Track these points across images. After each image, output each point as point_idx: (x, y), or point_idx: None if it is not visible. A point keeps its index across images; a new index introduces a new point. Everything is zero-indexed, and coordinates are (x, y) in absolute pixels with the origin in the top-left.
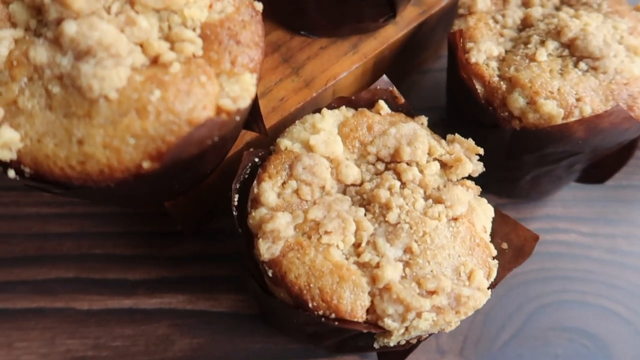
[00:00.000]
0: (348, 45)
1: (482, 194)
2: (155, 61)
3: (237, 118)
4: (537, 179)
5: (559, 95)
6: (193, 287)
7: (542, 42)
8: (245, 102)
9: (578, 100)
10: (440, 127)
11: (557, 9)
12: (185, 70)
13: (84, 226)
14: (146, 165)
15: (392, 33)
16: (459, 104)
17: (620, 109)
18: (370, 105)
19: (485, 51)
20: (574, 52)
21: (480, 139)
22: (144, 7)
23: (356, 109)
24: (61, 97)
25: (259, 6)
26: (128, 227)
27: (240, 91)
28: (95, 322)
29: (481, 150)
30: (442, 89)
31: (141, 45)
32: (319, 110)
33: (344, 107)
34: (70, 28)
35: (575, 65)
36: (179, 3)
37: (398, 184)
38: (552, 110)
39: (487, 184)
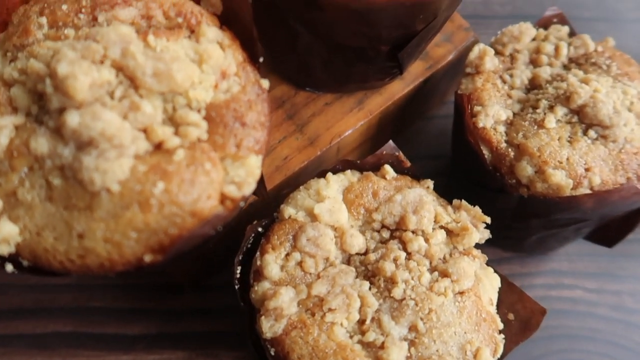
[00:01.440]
0: (353, 101)
1: (487, 247)
2: (159, 146)
3: (242, 204)
4: (544, 239)
5: (568, 165)
6: (193, 343)
7: (551, 108)
8: (250, 188)
9: (587, 170)
10: (446, 177)
11: (566, 67)
12: (190, 157)
13: (81, 278)
14: (148, 258)
15: (398, 89)
16: (465, 165)
17: (631, 185)
18: (376, 168)
19: (493, 115)
20: (584, 119)
21: (487, 199)
22: (149, 91)
23: (361, 172)
24: (62, 188)
25: (266, 84)
26: (127, 279)
27: (245, 175)
28: None
29: (488, 219)
30: (447, 136)
31: (145, 131)
32: (323, 174)
33: (349, 171)
34: (72, 120)
35: (585, 132)
36: (184, 85)
37: (403, 255)
38: (561, 180)
39: (493, 238)
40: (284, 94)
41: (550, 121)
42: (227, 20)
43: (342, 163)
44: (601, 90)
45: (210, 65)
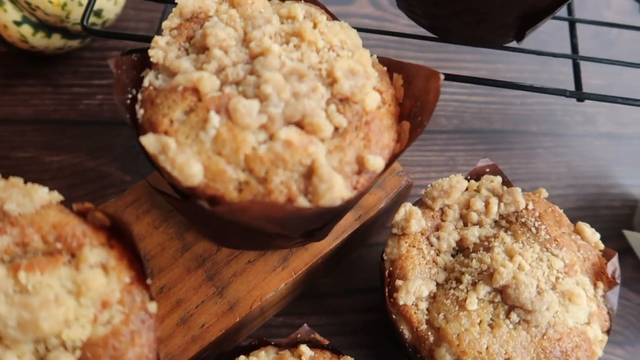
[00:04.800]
0: (277, 259)
1: None
2: None
3: None
4: None
5: (487, 355)
6: None
7: (474, 285)
8: None
9: None
10: (383, 313)
11: (497, 223)
12: None
13: None
14: None
15: (325, 244)
16: (390, 330)
17: None
18: (293, 346)
19: (414, 292)
20: (506, 299)
21: None
22: (14, 341)
23: (277, 349)
24: None
25: (153, 308)
26: None
27: None
28: None
29: None
30: None
31: None
32: (237, 353)
33: (263, 352)
34: None
35: (507, 315)
36: (53, 331)
37: None
38: None
39: None
40: (205, 251)
41: (472, 302)
42: (116, 231)
43: (257, 339)
44: (525, 267)
45: (89, 297)
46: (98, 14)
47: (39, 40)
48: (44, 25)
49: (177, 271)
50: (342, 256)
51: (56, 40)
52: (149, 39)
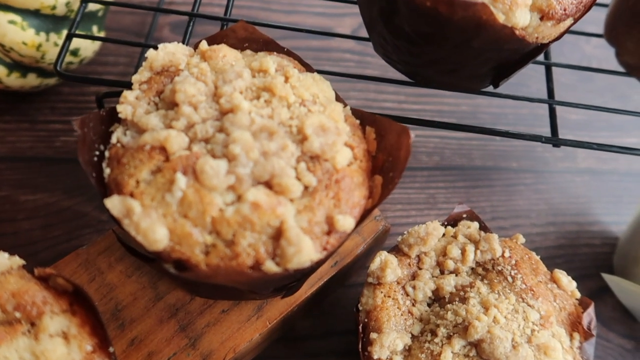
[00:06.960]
0: (252, 307)
1: None
2: None
3: None
4: None
5: None
6: None
7: (449, 339)
8: None
9: None
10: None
11: (474, 270)
12: None
13: None
14: None
15: (300, 292)
16: None
17: None
18: None
19: (389, 346)
20: (481, 354)
21: None
22: None
23: None
24: None
25: None
26: None
27: None
28: None
29: None
30: None
31: None
32: None
33: None
34: None
35: None
36: None
37: None
38: None
39: None
40: (178, 300)
41: (447, 357)
42: (80, 295)
43: None
44: (500, 320)
45: None
46: (75, 53)
47: (13, 80)
48: (18, 66)
49: (149, 321)
50: (320, 300)
51: (32, 80)
52: (123, 84)
